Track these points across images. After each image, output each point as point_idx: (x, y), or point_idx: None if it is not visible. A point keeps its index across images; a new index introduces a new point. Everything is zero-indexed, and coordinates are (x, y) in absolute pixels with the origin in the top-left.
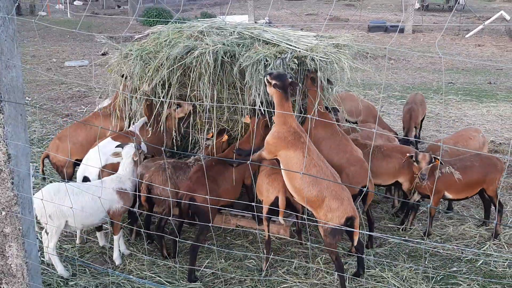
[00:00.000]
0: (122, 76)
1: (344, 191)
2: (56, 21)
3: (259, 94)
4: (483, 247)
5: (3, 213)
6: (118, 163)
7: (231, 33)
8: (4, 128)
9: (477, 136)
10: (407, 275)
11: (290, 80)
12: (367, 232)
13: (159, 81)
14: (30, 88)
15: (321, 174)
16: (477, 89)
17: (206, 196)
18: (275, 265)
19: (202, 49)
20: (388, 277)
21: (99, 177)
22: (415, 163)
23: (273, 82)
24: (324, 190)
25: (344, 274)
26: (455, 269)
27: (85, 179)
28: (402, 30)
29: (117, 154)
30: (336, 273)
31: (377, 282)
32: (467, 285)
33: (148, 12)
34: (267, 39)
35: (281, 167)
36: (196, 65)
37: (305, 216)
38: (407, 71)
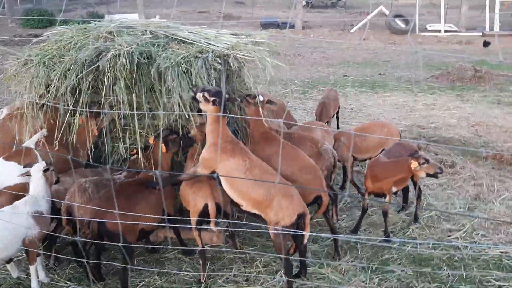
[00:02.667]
0: None
1: (291, 188)
2: None
3: (181, 97)
4: (407, 231)
5: None
6: (17, 185)
7: (143, 32)
8: None
9: (379, 131)
10: (345, 268)
11: (227, 96)
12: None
13: (67, 88)
14: None
15: (265, 173)
16: (370, 80)
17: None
18: (213, 274)
19: (115, 50)
20: (327, 273)
21: None
22: (424, 165)
23: (212, 99)
24: (271, 188)
25: (293, 279)
26: (387, 256)
27: None
28: (292, 27)
29: (26, 174)
30: (283, 275)
31: (318, 279)
32: (401, 271)
33: (28, 13)
34: (183, 37)
35: (220, 179)
36: (109, 69)
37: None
38: (304, 67)
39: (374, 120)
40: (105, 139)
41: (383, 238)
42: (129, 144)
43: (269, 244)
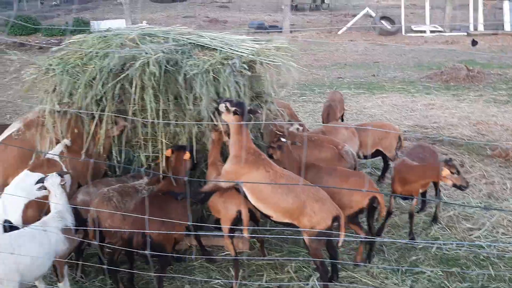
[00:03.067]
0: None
1: (321, 192)
2: None
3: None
4: (430, 232)
5: None
6: (45, 197)
7: (165, 39)
8: None
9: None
10: (376, 271)
11: (249, 108)
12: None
13: (93, 97)
14: None
15: (291, 181)
16: (365, 82)
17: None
18: (244, 282)
19: (144, 58)
20: (359, 277)
21: (24, 218)
22: (455, 175)
23: (233, 109)
24: (300, 194)
25: (328, 282)
26: (414, 258)
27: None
28: (280, 30)
29: (42, 188)
30: (316, 280)
31: (350, 283)
32: (431, 271)
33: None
34: (206, 44)
35: (246, 192)
36: (137, 77)
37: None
38: (297, 69)
39: (374, 121)
40: (122, 148)
41: (411, 241)
42: (152, 153)
43: (296, 250)
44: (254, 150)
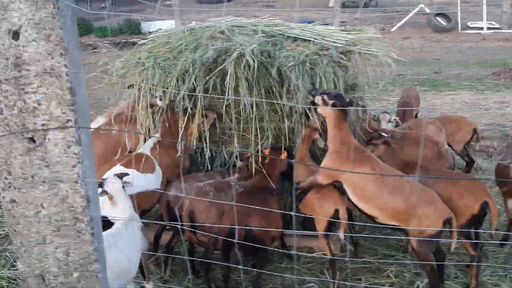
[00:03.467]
0: (129, 86)
1: (432, 193)
2: None
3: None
4: None
5: (76, 274)
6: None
7: (254, 31)
8: (82, 163)
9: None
10: (484, 278)
11: (348, 100)
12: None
13: (185, 91)
14: None
15: (398, 182)
16: (428, 79)
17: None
18: (343, 282)
19: (240, 50)
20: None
21: None
22: None
23: (332, 102)
24: (410, 195)
25: None
26: None
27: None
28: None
29: (103, 193)
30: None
31: None
32: None
33: None
34: (297, 35)
35: (348, 191)
36: (233, 69)
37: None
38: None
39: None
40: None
41: None
42: (237, 148)
43: (390, 253)
44: (356, 145)
